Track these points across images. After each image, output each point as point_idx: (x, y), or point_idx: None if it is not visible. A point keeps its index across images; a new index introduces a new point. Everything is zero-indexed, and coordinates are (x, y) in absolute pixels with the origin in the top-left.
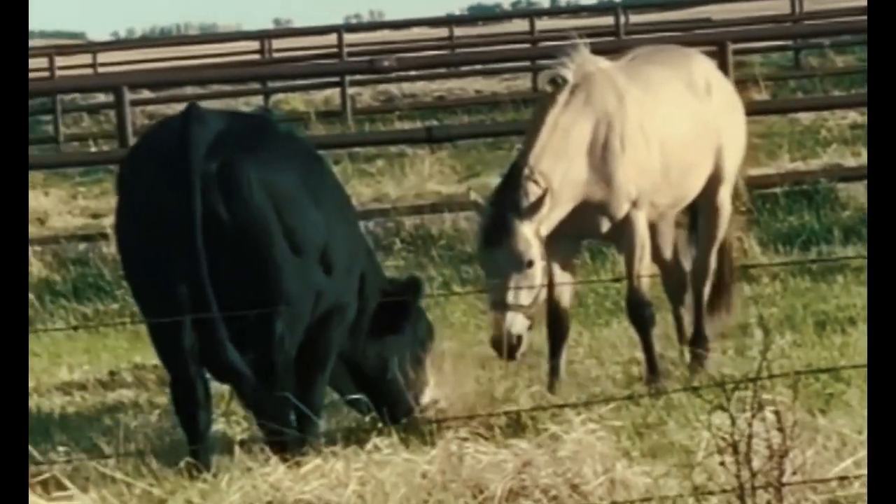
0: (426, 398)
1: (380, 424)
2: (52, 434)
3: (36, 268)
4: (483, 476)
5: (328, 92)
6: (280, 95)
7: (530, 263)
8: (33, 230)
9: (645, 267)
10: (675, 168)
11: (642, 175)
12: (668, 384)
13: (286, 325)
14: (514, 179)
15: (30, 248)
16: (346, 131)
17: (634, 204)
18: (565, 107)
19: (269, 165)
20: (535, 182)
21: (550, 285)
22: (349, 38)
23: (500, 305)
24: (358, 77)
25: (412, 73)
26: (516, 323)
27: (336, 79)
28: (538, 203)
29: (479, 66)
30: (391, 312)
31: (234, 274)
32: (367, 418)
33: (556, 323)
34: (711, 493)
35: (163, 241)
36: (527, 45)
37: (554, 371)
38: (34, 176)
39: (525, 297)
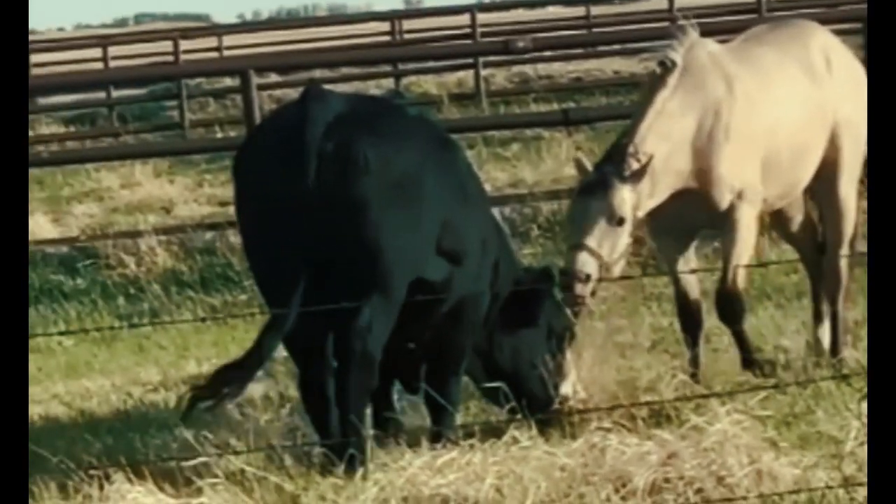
0: (566, 389)
1: (518, 416)
2: (178, 430)
3: (162, 258)
4: (626, 468)
5: (461, 74)
6: (412, 78)
7: (621, 221)
8: (158, 219)
9: (745, 260)
10: (784, 157)
11: (747, 166)
12: (816, 373)
13: (375, 314)
14: (617, 153)
15: (155, 238)
16: (479, 114)
17: (739, 195)
18: (673, 91)
19: (388, 146)
20: (638, 160)
21: (677, 280)
22: (482, 17)
23: (579, 246)
24: (492, 58)
25: (548, 53)
26: (589, 263)
27: (469, 60)
28: (641, 171)
29: (616, 46)
30: (525, 303)
31: (341, 258)
32: (504, 410)
33: (687, 315)
34: (861, 484)
35: (279, 223)
36: (665, 24)
37: (694, 361)
38: (159, 164)
39: (606, 249)
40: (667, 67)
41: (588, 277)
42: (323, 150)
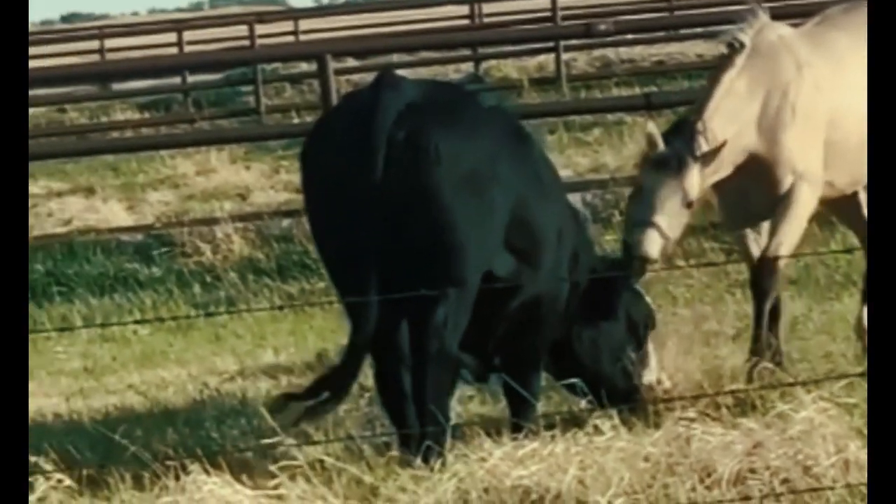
0: (649, 378)
1: (600, 407)
2: (256, 420)
3: (238, 245)
4: (711, 458)
5: (542, 58)
6: (491, 62)
7: (690, 204)
8: (234, 206)
9: (792, 239)
10: (853, 143)
11: (811, 150)
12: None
13: (450, 310)
14: (685, 130)
15: (231, 225)
16: (560, 98)
17: (800, 177)
18: (741, 72)
19: (460, 136)
20: (706, 139)
21: (749, 263)
22: (563, 1)
23: (648, 224)
24: (573, 42)
25: (630, 37)
26: (655, 244)
27: (550, 44)
28: (713, 153)
29: (699, 30)
30: (603, 293)
31: (409, 251)
32: (584, 402)
33: (760, 298)
34: None
35: (348, 214)
36: (750, 7)
37: (772, 348)
38: (235, 150)
39: (673, 230)
40: (734, 48)
41: (649, 260)
42: (393, 139)
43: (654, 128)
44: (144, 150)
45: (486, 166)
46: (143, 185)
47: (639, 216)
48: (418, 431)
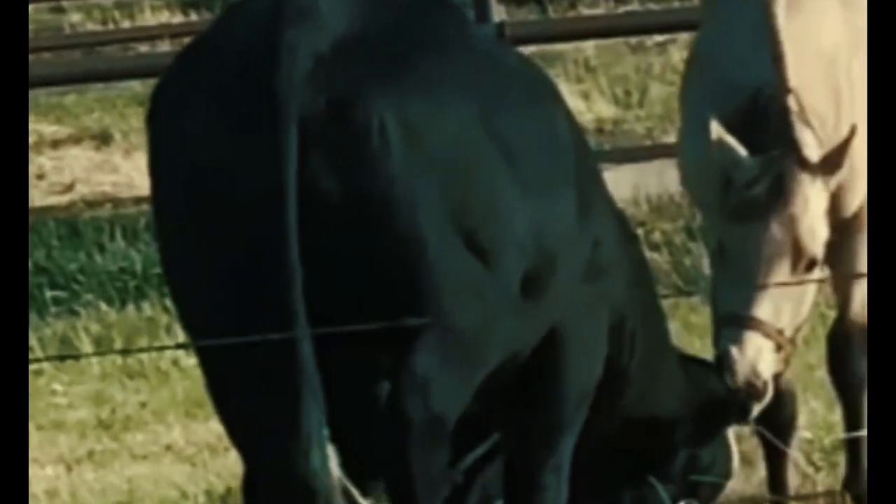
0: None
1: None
2: None
3: None
4: None
5: None
6: None
7: (812, 262)
8: None
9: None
10: None
11: None
12: None
13: (438, 362)
14: (768, 116)
15: None
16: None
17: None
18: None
19: (426, 100)
20: (809, 124)
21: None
22: None
23: (743, 320)
24: None
25: None
26: (764, 355)
27: None
28: (841, 150)
29: None
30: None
31: (350, 287)
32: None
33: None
34: None
35: (226, 232)
36: None
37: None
38: None
39: (786, 317)
40: None
41: (765, 387)
42: (309, 113)
43: (720, 129)
44: None
45: (475, 148)
46: None
47: (725, 306)
48: None
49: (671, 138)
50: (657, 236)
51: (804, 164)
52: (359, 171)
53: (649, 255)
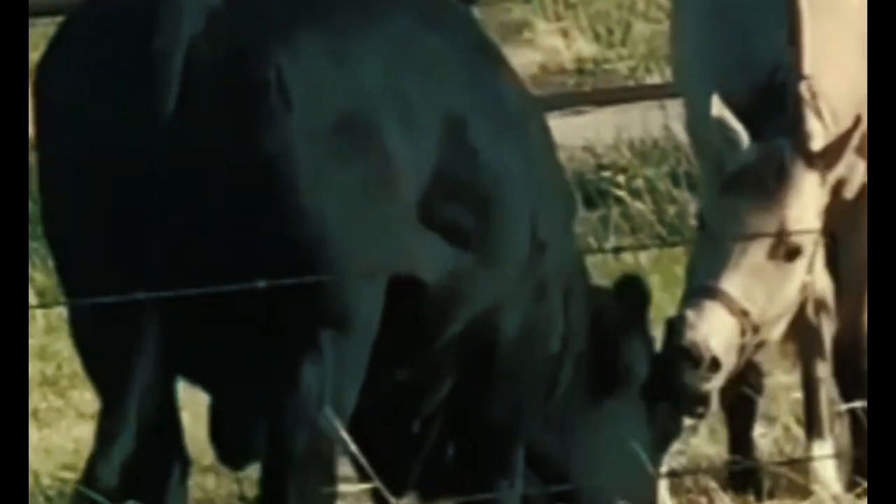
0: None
1: None
2: None
3: None
4: None
5: None
6: None
7: (794, 252)
8: None
9: None
10: None
11: None
12: None
13: (327, 369)
14: (777, 100)
15: None
16: None
17: None
18: None
19: (328, 55)
20: (819, 113)
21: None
22: None
23: (709, 291)
24: None
25: None
26: (720, 329)
27: None
28: (843, 141)
29: None
30: (614, 359)
31: (244, 245)
32: None
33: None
34: None
35: (105, 217)
36: None
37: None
38: None
39: (756, 301)
40: None
41: (715, 364)
42: (195, 69)
43: (722, 106)
44: None
45: (382, 110)
46: None
47: (697, 278)
48: None
49: (655, 79)
50: (640, 183)
51: (806, 153)
52: (258, 144)
53: (632, 203)
